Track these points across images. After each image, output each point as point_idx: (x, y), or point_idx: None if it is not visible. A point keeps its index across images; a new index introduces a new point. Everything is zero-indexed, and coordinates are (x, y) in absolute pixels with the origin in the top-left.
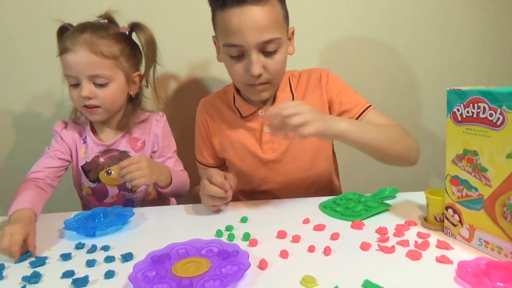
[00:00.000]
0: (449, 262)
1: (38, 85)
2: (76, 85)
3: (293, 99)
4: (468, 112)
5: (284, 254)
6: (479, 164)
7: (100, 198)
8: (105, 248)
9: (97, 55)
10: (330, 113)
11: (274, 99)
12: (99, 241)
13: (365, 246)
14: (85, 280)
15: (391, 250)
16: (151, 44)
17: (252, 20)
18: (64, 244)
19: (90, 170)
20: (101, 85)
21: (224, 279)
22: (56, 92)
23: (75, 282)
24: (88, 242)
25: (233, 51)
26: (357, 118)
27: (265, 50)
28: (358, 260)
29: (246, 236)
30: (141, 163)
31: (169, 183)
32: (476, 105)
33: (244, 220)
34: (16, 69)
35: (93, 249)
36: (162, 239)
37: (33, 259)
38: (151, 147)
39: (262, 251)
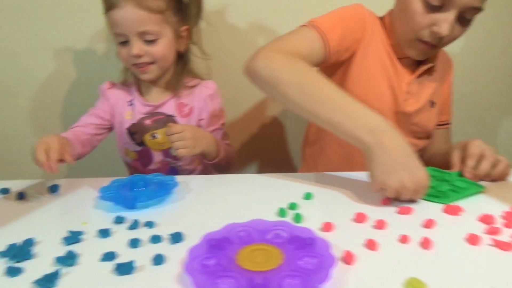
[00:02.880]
0: None
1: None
2: (124, 42)
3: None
4: None
5: (371, 245)
6: None
7: (145, 163)
8: (149, 224)
9: (144, 10)
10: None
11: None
12: (141, 215)
13: (473, 240)
14: (130, 266)
15: (508, 246)
16: None
17: None
18: (101, 217)
19: (136, 132)
20: (151, 42)
21: (306, 277)
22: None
23: (119, 268)
24: (129, 215)
25: None
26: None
27: None
28: (470, 259)
29: (298, 218)
30: (184, 133)
31: (216, 156)
32: None
33: (308, 196)
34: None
35: (135, 225)
36: (214, 216)
37: (69, 234)
38: (198, 115)
39: (340, 239)
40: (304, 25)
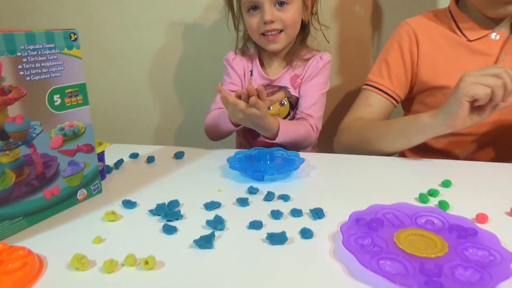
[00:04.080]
0: None
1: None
2: (254, 9)
3: None
4: None
5: None
6: None
7: (254, 135)
8: (285, 197)
9: None
10: None
11: None
12: (272, 188)
13: None
14: (283, 236)
15: None
16: None
17: None
18: (233, 186)
19: None
20: (282, 7)
21: (483, 271)
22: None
23: (271, 237)
24: (260, 187)
25: None
26: None
27: None
28: None
29: (445, 205)
30: (262, 110)
31: (273, 136)
32: None
33: (447, 184)
34: None
35: (270, 197)
36: (349, 195)
37: (209, 200)
38: (304, 81)
39: (502, 233)
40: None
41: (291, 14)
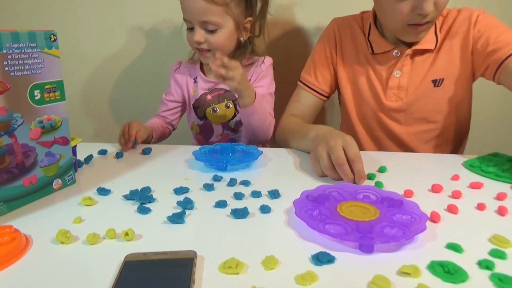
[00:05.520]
0: None
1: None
2: (191, 28)
3: (436, 42)
4: None
5: (453, 209)
6: None
7: (207, 137)
8: (245, 183)
9: (208, 2)
10: (474, 60)
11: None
12: (234, 176)
13: None
14: (245, 211)
15: None
16: None
17: None
18: (199, 175)
19: (198, 106)
20: (211, 31)
21: (405, 228)
22: None
23: (235, 213)
24: (223, 175)
25: None
26: (504, 60)
27: None
28: None
29: (380, 185)
30: (238, 69)
31: (251, 103)
32: None
33: (382, 169)
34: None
35: (233, 182)
36: (299, 180)
37: (178, 186)
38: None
39: (422, 203)
40: (298, 83)
41: (219, 38)
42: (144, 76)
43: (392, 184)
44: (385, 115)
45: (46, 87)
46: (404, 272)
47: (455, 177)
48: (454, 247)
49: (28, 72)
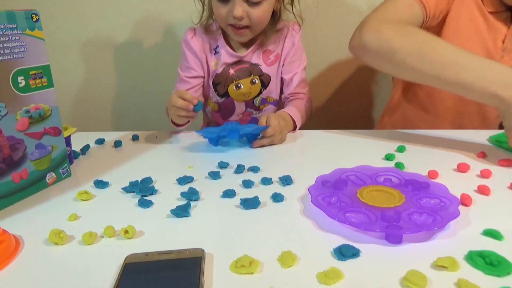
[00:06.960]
0: None
1: None
2: (224, 1)
3: None
4: None
5: (484, 190)
6: None
7: (226, 115)
8: (254, 169)
9: None
10: None
11: None
12: (241, 161)
13: None
14: (256, 201)
15: None
16: None
17: None
18: (203, 163)
19: (219, 82)
20: (254, 4)
21: (435, 214)
22: None
23: (244, 203)
24: (230, 161)
25: None
26: None
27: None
28: None
29: (401, 165)
30: (282, 133)
31: (295, 129)
32: None
33: (401, 149)
34: None
35: (241, 169)
36: (314, 164)
37: (181, 176)
38: (283, 61)
39: (450, 185)
40: None
41: (262, 12)
42: (147, 64)
43: (414, 164)
44: None
45: (31, 72)
46: (440, 266)
47: (481, 155)
48: (492, 234)
49: (9, 57)
